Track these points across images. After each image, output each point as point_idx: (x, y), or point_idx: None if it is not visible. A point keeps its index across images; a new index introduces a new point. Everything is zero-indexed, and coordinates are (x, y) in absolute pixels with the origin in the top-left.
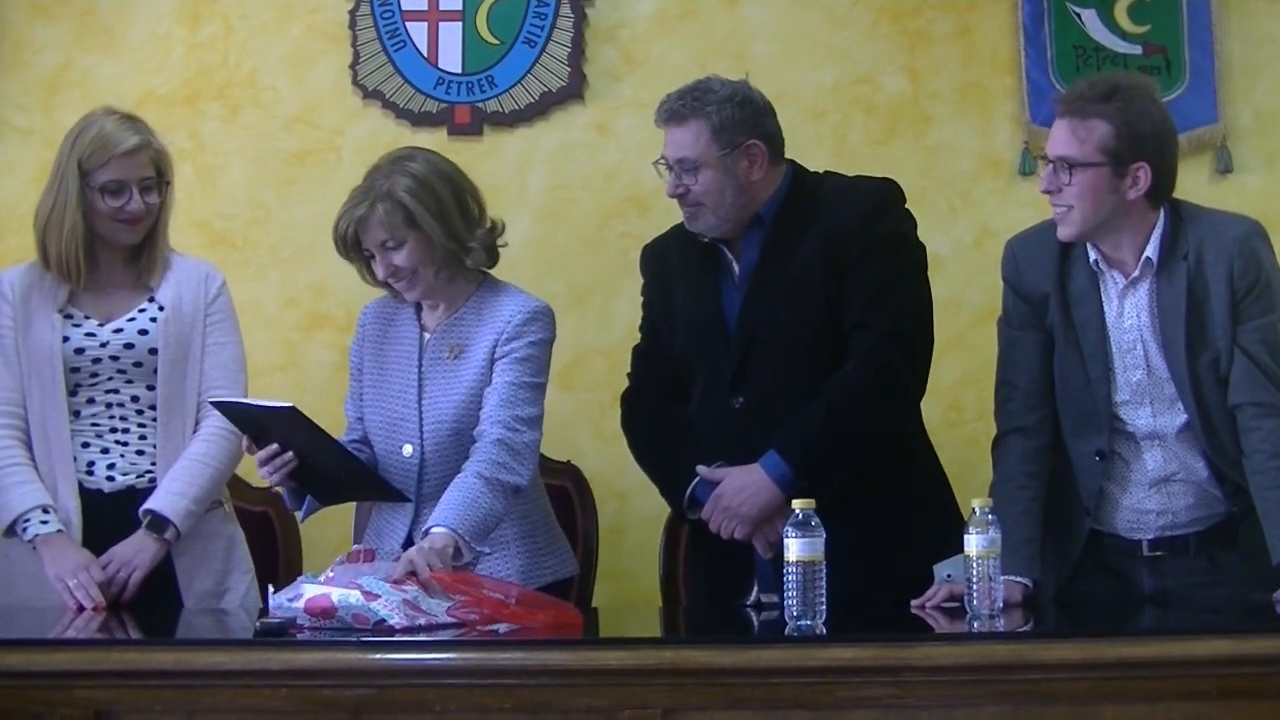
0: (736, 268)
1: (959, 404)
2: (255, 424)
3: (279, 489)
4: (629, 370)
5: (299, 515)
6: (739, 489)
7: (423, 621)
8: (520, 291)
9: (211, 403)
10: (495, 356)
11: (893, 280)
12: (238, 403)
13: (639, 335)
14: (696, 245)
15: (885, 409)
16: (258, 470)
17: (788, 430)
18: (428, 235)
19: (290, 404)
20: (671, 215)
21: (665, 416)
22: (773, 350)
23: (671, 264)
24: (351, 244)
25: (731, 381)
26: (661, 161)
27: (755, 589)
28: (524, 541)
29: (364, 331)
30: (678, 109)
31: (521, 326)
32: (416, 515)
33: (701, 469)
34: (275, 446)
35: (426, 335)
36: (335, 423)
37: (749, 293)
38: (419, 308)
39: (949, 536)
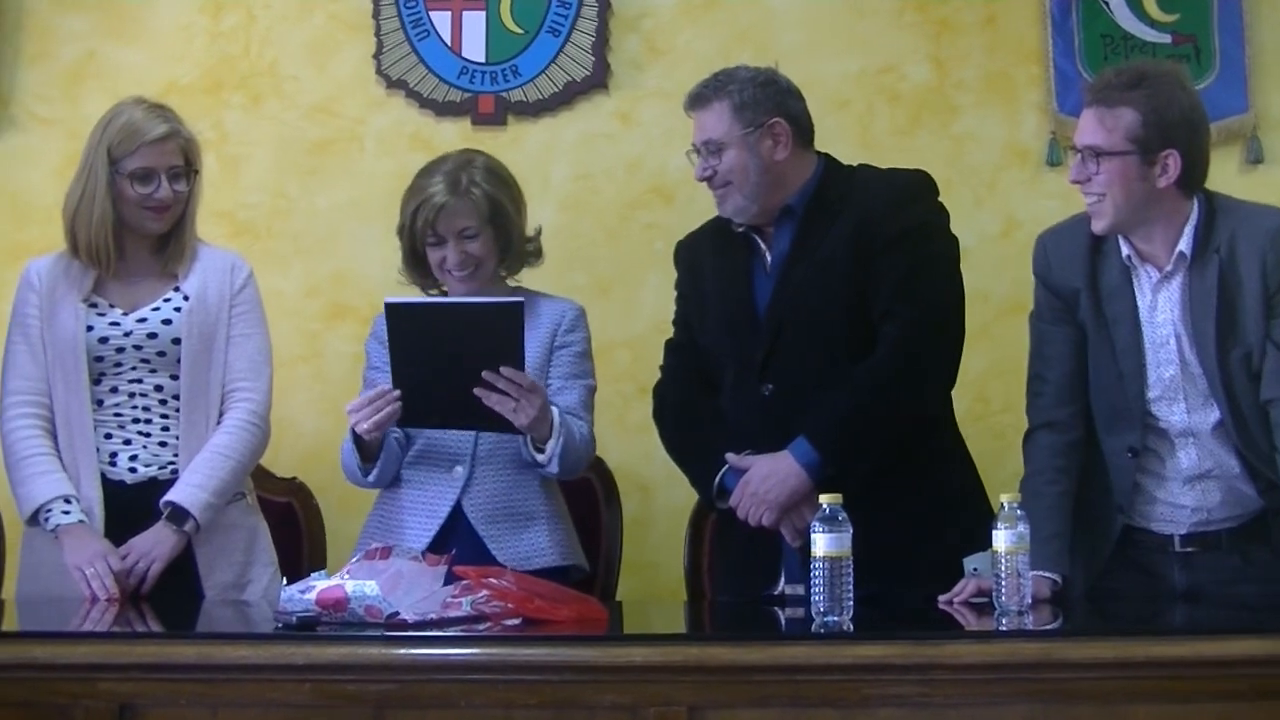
0: (769, 257)
1: (985, 396)
2: (417, 338)
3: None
4: (660, 363)
5: (370, 478)
6: (767, 475)
7: (437, 615)
8: (555, 295)
9: (387, 303)
10: (556, 345)
11: (921, 269)
12: (431, 303)
13: (670, 328)
14: (730, 236)
15: (912, 396)
16: (351, 417)
17: (815, 416)
18: (505, 229)
19: (520, 299)
20: (695, 205)
21: (695, 406)
22: (801, 338)
23: (705, 255)
24: (421, 229)
25: (761, 369)
26: (691, 149)
27: (782, 580)
28: (550, 521)
29: None
30: (702, 92)
31: (576, 321)
32: (470, 479)
33: (730, 457)
34: (384, 388)
35: None
36: None
37: (779, 281)
38: None
39: (978, 528)
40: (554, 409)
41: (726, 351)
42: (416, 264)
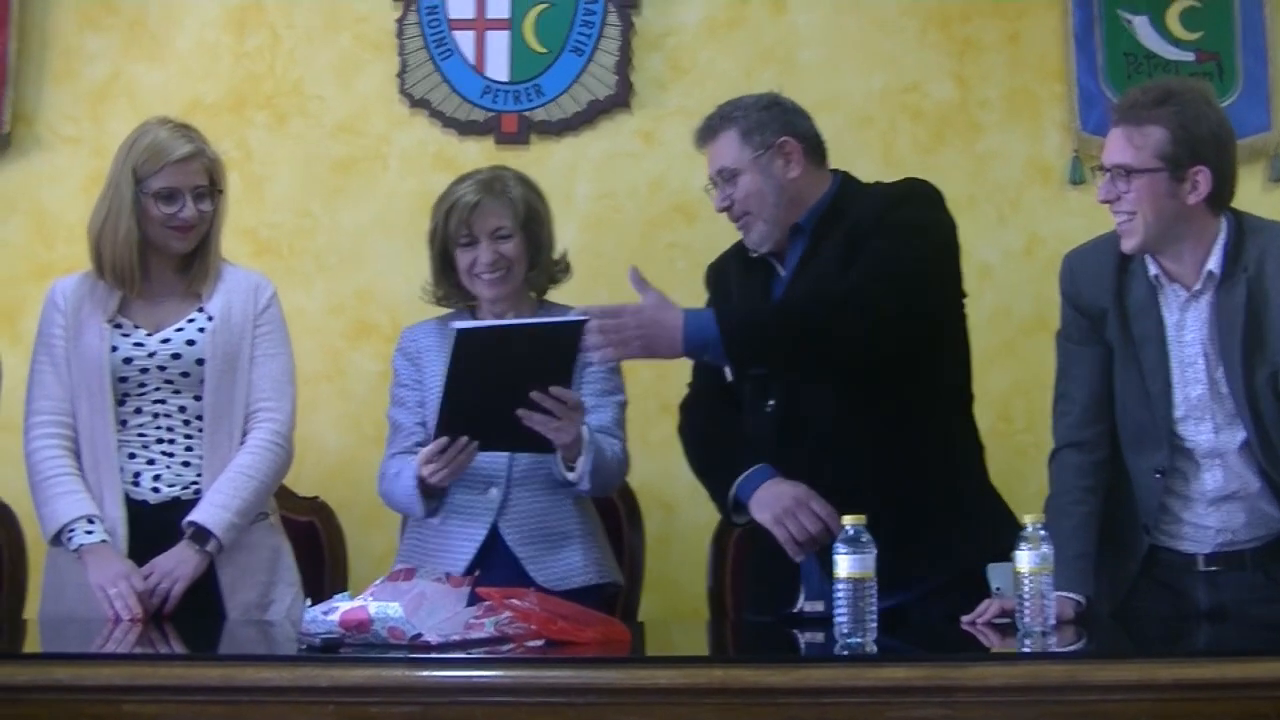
0: (783, 274)
1: (1008, 414)
2: (480, 362)
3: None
4: (689, 381)
5: (434, 517)
6: (647, 309)
7: (460, 637)
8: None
9: (458, 329)
10: (585, 360)
11: (895, 247)
12: (500, 325)
13: None
14: (752, 257)
15: (829, 325)
16: (424, 468)
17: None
18: (537, 235)
19: (585, 316)
20: (718, 224)
21: (718, 423)
22: None
23: (731, 275)
24: (454, 230)
25: (764, 386)
26: (708, 183)
27: (801, 597)
28: (585, 539)
29: (419, 343)
30: (709, 125)
31: None
32: (505, 501)
33: (631, 271)
34: (447, 440)
35: None
36: (379, 431)
37: (785, 295)
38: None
39: (991, 537)
40: (584, 427)
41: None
42: (445, 272)
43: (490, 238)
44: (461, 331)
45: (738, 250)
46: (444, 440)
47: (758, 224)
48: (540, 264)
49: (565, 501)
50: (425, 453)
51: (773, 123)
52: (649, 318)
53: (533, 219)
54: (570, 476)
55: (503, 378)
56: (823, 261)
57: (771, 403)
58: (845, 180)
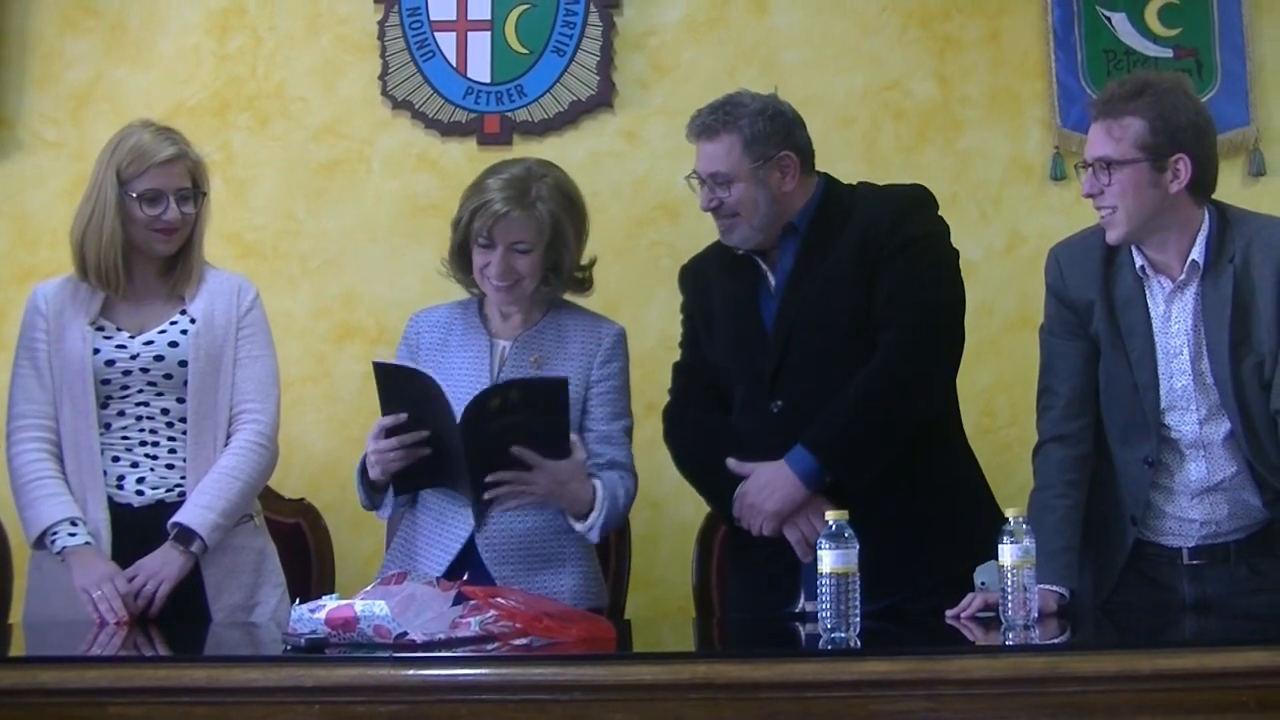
0: (772, 278)
1: (991, 410)
2: (405, 392)
3: (373, 482)
4: (670, 386)
5: (381, 512)
6: (762, 485)
7: (445, 635)
8: (595, 313)
9: (374, 362)
10: (593, 379)
11: (919, 277)
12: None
13: (678, 351)
14: (733, 259)
15: (909, 402)
16: (372, 448)
17: (814, 425)
18: (558, 252)
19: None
20: (702, 223)
21: (707, 425)
22: (809, 353)
23: (710, 278)
24: (476, 230)
25: (770, 385)
26: (694, 176)
27: (802, 597)
28: (579, 563)
29: (420, 339)
30: (709, 123)
31: (613, 349)
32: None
33: (731, 462)
34: (418, 435)
35: (502, 344)
36: (364, 433)
37: (785, 298)
38: (484, 316)
39: (986, 535)
40: (596, 483)
41: (736, 370)
42: (462, 261)
43: (508, 249)
44: (375, 364)
45: (717, 252)
46: (412, 436)
47: (743, 226)
48: (557, 280)
49: (551, 523)
50: (386, 444)
51: (775, 135)
52: (764, 482)
53: (558, 237)
54: (579, 527)
55: (419, 417)
56: (830, 271)
57: (779, 403)
58: (829, 182)
